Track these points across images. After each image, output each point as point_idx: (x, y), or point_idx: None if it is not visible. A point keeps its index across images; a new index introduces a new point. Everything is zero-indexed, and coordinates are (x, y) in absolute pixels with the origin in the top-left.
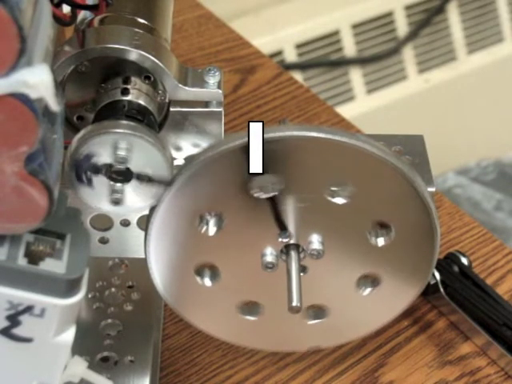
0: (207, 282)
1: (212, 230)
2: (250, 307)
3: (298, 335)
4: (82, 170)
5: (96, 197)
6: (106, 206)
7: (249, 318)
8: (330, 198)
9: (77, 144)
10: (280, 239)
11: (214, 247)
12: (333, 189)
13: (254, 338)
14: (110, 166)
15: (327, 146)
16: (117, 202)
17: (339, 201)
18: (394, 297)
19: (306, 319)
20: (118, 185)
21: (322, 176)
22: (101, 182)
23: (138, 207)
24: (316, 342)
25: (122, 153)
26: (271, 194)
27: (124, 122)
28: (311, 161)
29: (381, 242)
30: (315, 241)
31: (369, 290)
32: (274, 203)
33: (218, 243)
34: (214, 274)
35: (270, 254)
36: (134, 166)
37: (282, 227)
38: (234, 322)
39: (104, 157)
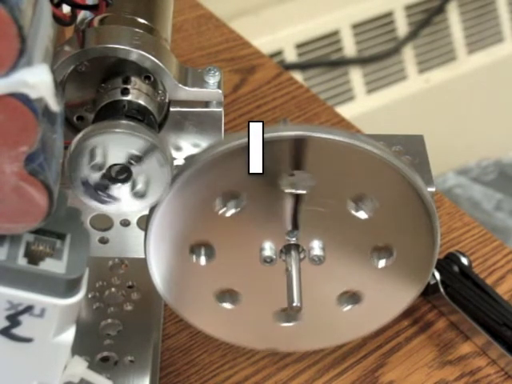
0: (202, 260)
1: (231, 210)
2: (230, 296)
3: (270, 334)
4: (95, 194)
5: (126, 203)
6: (137, 206)
7: (226, 306)
8: (353, 212)
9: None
10: (287, 237)
11: (214, 237)
12: (357, 202)
13: (229, 332)
14: (106, 174)
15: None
16: (143, 195)
17: (362, 215)
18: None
19: (279, 321)
20: (132, 182)
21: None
22: (118, 189)
23: (163, 186)
24: (287, 345)
25: (99, 159)
26: (301, 192)
27: (124, 121)
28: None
29: (382, 263)
30: (316, 246)
31: (361, 295)
32: (297, 200)
33: (219, 232)
34: (211, 253)
35: (269, 249)
36: (118, 158)
37: (296, 226)
38: (219, 313)
39: (92, 174)
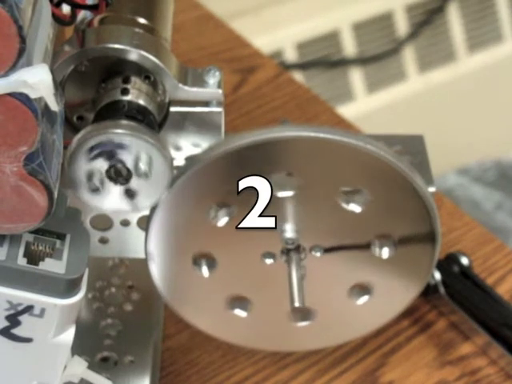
0: (205, 271)
1: (223, 220)
2: (241, 303)
3: (285, 336)
4: (101, 147)
5: (83, 173)
6: (83, 192)
7: (239, 313)
8: (344, 205)
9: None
10: (285, 240)
11: (215, 245)
12: (347, 193)
13: (245, 336)
14: (117, 164)
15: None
16: (94, 190)
17: (355, 208)
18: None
19: (294, 321)
20: (103, 177)
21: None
22: (100, 166)
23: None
24: (303, 344)
25: (143, 166)
26: (289, 192)
27: (124, 121)
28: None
29: (385, 253)
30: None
31: (365, 294)
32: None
33: (219, 240)
34: (212, 264)
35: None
36: (138, 185)
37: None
38: (232, 320)
39: (128, 157)
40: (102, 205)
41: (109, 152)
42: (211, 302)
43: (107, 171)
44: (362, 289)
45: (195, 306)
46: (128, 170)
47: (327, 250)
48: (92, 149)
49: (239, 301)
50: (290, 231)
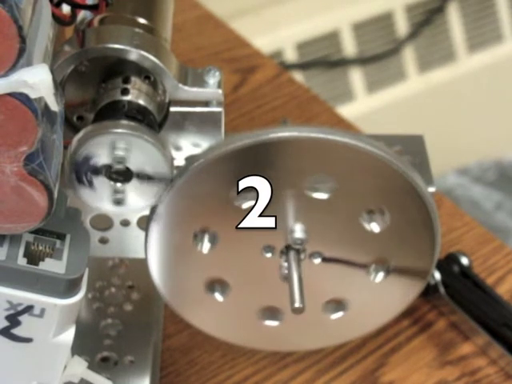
0: (206, 246)
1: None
2: (222, 287)
3: (253, 331)
4: (81, 171)
5: (98, 198)
6: (108, 207)
7: (217, 296)
8: (365, 224)
9: (77, 144)
10: (290, 238)
11: (223, 222)
12: (369, 212)
13: (215, 324)
14: (109, 166)
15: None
16: (119, 202)
17: (375, 228)
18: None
19: (262, 319)
20: (119, 185)
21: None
22: (102, 182)
23: (141, 206)
24: (268, 344)
25: (120, 153)
26: (323, 195)
27: (124, 121)
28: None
29: (379, 278)
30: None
31: (340, 311)
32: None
33: (230, 219)
34: (213, 241)
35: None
36: (134, 165)
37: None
38: (208, 304)
39: (103, 157)
40: (148, 200)
41: (90, 168)
42: (194, 280)
43: (111, 180)
44: (338, 304)
45: (178, 282)
46: (128, 169)
47: (325, 260)
48: (79, 180)
49: (221, 285)
50: (299, 231)
